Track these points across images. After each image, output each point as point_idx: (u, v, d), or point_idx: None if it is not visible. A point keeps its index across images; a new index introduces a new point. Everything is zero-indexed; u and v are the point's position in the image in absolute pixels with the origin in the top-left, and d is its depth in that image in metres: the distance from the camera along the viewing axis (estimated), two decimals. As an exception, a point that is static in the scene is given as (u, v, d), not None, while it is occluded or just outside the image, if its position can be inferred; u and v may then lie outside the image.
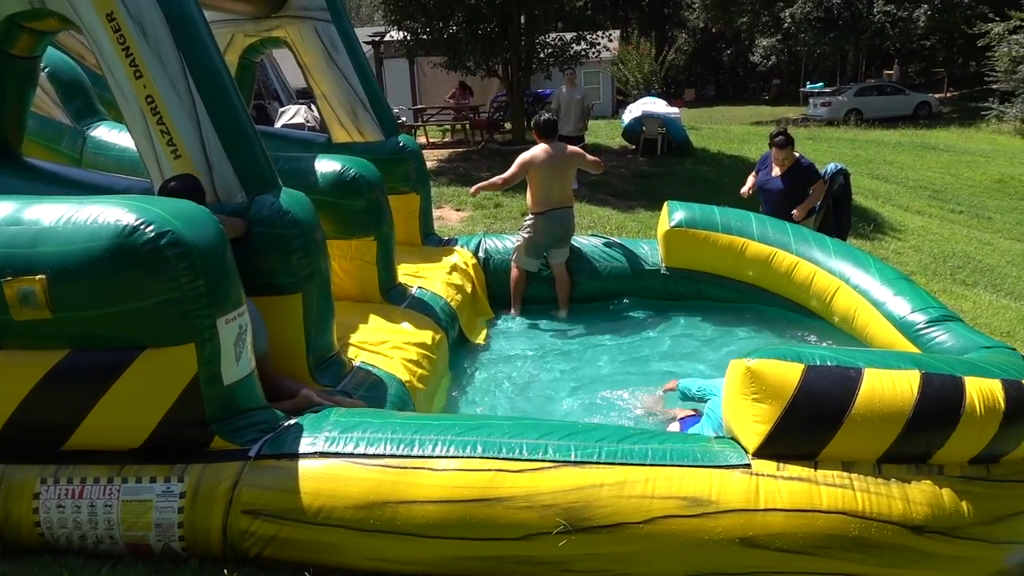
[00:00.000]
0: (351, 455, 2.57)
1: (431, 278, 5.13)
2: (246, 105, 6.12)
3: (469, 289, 5.38)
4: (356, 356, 3.85)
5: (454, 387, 4.47)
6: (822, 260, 4.77)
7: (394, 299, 4.68)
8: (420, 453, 2.56)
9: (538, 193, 5.38)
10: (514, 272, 5.58)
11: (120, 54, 3.20)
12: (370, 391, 3.49)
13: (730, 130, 19.56)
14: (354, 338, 4.01)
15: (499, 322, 5.49)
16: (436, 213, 9.22)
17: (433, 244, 5.94)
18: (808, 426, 2.56)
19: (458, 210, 9.35)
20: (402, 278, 5.02)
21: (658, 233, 5.56)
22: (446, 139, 15.73)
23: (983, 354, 3.51)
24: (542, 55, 13.20)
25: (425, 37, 12.86)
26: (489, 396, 4.32)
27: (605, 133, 16.04)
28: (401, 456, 2.56)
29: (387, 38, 15.74)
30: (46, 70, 4.67)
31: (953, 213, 12.42)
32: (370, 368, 3.73)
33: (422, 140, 14.88)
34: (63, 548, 2.57)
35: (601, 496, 2.46)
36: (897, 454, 2.57)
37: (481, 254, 5.80)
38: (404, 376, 3.78)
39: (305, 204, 3.52)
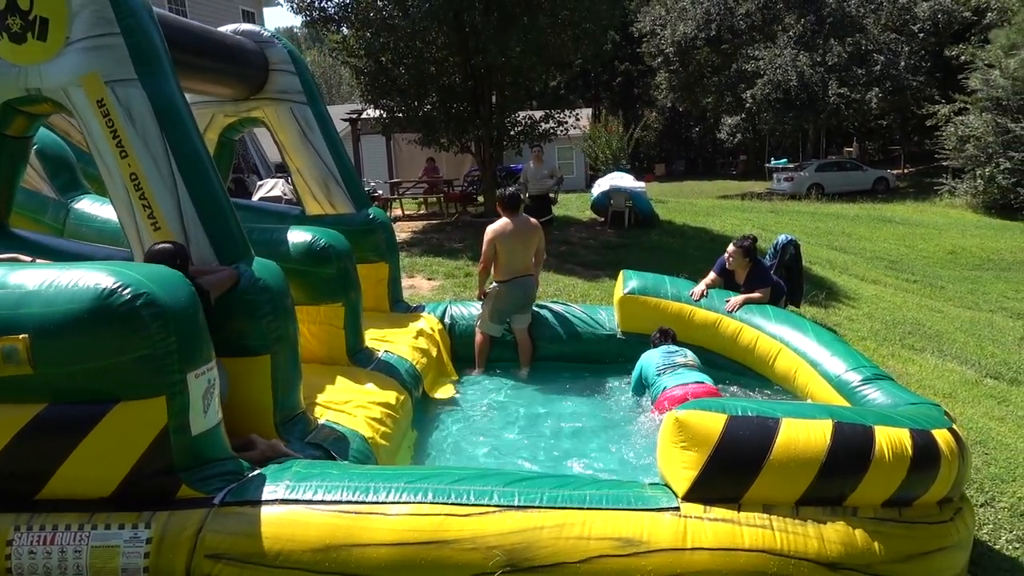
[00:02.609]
0: (309, 501, 2.76)
1: (397, 342, 5.36)
2: (223, 180, 6.49)
3: (435, 353, 5.61)
4: (321, 415, 4.05)
5: (419, 443, 4.65)
6: (763, 325, 5.09)
7: (361, 362, 4.89)
8: (374, 499, 2.76)
9: (503, 263, 5.70)
10: (478, 337, 5.84)
11: (108, 136, 3.49)
12: (333, 447, 3.67)
13: (696, 203, 20.28)
14: (320, 397, 4.21)
15: (463, 381, 5.70)
16: (408, 282, 9.51)
17: (401, 311, 6.19)
18: (731, 471, 2.80)
19: (430, 279, 9.63)
20: (370, 342, 5.25)
21: (614, 300, 5.87)
22: (421, 211, 16.19)
23: (908, 409, 3.80)
24: (512, 132, 13.78)
25: (400, 115, 13.42)
26: (452, 452, 4.50)
27: (575, 206, 16.59)
28: (356, 502, 2.75)
29: (364, 115, 16.33)
30: (35, 147, 4.96)
31: (907, 282, 12.94)
32: (334, 425, 3.92)
33: (398, 212, 15.32)
34: (33, 595, 2.70)
35: (542, 538, 2.67)
36: (813, 497, 2.82)
37: (447, 320, 6.06)
38: (367, 433, 3.97)
39: (275, 272, 3.77)
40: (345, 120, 17.62)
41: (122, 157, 3.51)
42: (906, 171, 34.12)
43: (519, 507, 2.74)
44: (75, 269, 2.78)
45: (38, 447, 2.71)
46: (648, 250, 11.84)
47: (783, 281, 6.59)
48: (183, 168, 3.57)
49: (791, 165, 29.93)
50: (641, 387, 4.97)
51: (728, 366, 5.32)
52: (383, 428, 4.14)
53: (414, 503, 2.75)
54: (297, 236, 4.73)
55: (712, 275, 5.86)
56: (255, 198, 12.60)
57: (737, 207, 20.34)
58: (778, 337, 4.96)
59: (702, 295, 5.60)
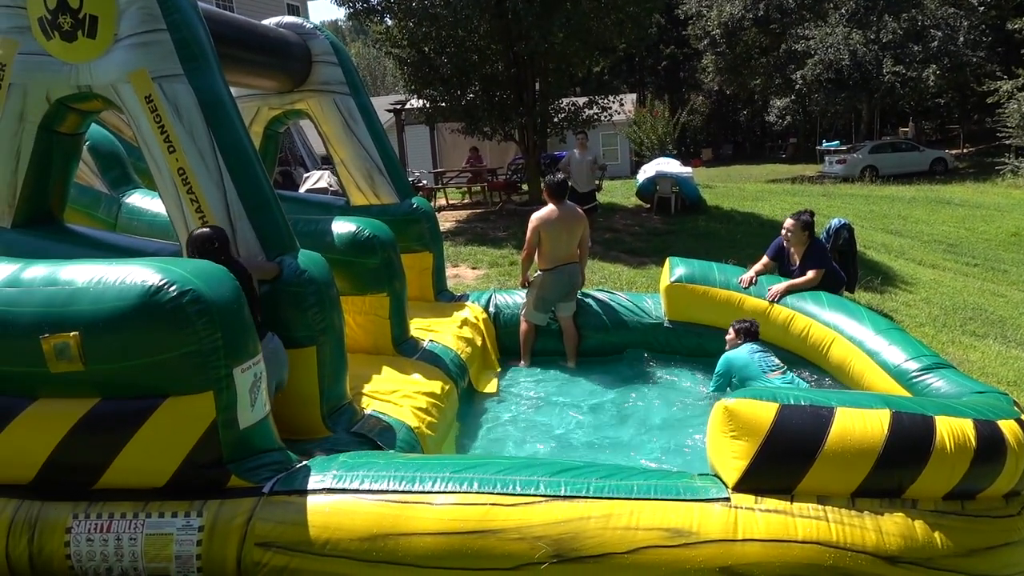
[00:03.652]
0: (356, 491, 2.77)
1: (442, 332, 5.37)
2: (268, 173, 6.58)
3: (479, 342, 5.60)
4: (368, 405, 4.07)
5: (463, 435, 4.65)
6: (816, 313, 4.94)
7: (406, 351, 4.91)
8: (420, 489, 2.76)
9: (547, 250, 5.65)
10: (523, 326, 5.81)
11: (156, 131, 3.55)
12: (379, 436, 3.69)
13: (744, 188, 19.89)
14: (367, 388, 4.24)
15: (508, 373, 5.69)
16: (453, 271, 9.54)
17: (445, 300, 6.20)
18: (783, 461, 2.72)
19: (474, 268, 9.64)
20: (415, 332, 5.26)
21: (660, 288, 5.78)
22: (465, 200, 16.21)
23: (972, 399, 3.65)
24: (556, 119, 13.67)
25: (443, 104, 13.43)
26: (497, 444, 4.50)
27: (621, 193, 16.42)
28: (402, 492, 2.76)
29: (408, 106, 16.41)
30: (87, 144, 5.08)
31: (967, 266, 12.48)
32: (380, 415, 3.95)
33: (442, 202, 15.36)
34: (91, 580, 2.77)
35: (588, 528, 2.63)
36: (870, 488, 2.72)
37: (491, 309, 6.05)
38: (413, 423, 3.98)
39: (320, 264, 3.80)
40: (389, 111, 17.72)
41: (170, 152, 3.56)
42: (965, 151, 32.91)
43: (566, 497, 2.71)
44: (123, 265, 2.83)
45: (92, 440, 2.78)
46: (695, 236, 11.66)
47: (839, 268, 6.39)
48: (229, 162, 3.61)
49: (843, 147, 29.06)
50: (726, 387, 4.68)
51: (781, 356, 5.18)
52: (429, 418, 4.14)
53: (460, 492, 2.74)
54: (341, 227, 4.76)
55: (764, 259, 5.65)
56: (302, 190, 12.74)
57: (787, 191, 19.88)
58: (832, 325, 4.81)
59: (751, 282, 5.43)
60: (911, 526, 2.66)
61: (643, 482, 2.78)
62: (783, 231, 5.66)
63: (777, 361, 4.59)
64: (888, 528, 2.64)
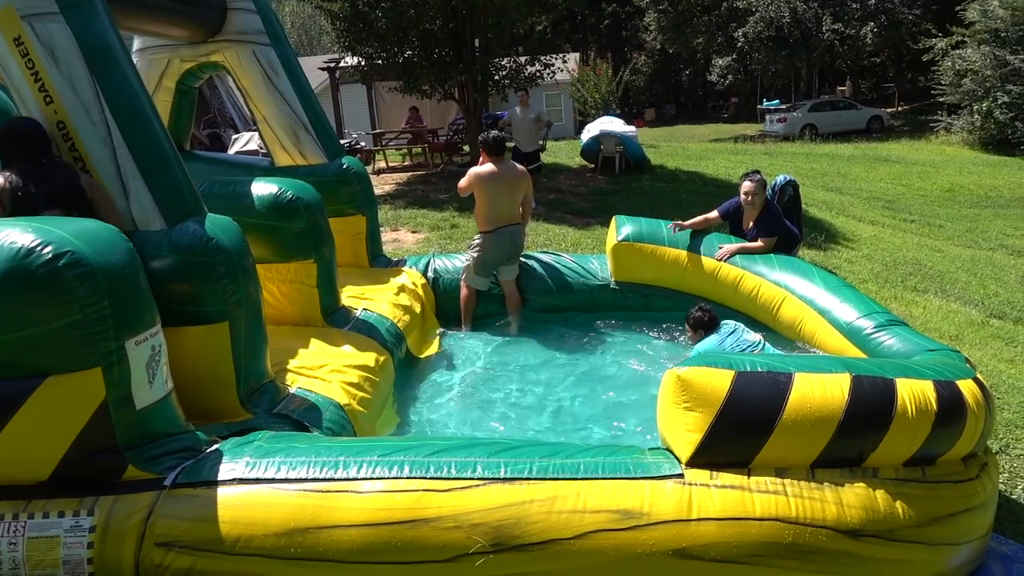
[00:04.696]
0: (272, 480, 2.47)
1: (377, 299, 5.04)
2: (186, 131, 6.08)
3: (418, 309, 5.29)
4: (293, 382, 3.75)
5: (403, 408, 4.37)
6: (766, 272, 4.78)
7: (337, 322, 4.58)
8: (344, 476, 2.48)
9: (486, 211, 5.35)
10: (464, 291, 5.52)
11: (29, 79, 3.10)
12: (305, 416, 3.38)
13: (687, 147, 19.82)
14: (292, 363, 3.90)
15: (450, 339, 5.41)
16: (392, 235, 9.16)
17: (381, 266, 5.85)
18: (740, 433, 2.52)
19: (414, 232, 9.29)
20: (348, 300, 4.93)
21: (607, 248, 5.55)
22: (406, 163, 15.71)
23: (927, 357, 3.53)
24: (496, 77, 13.25)
25: (380, 62, 12.86)
26: (439, 414, 4.24)
27: (565, 153, 16.14)
28: (323, 480, 2.47)
29: (342, 64, 15.72)
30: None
31: (905, 222, 12.64)
32: (306, 393, 3.63)
33: (382, 164, 14.85)
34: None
35: (531, 512, 2.39)
36: (830, 458, 2.55)
37: (430, 274, 5.74)
38: (343, 399, 3.68)
39: (232, 229, 3.42)
40: (322, 69, 16.98)
41: (47, 103, 3.12)
42: (901, 109, 33.56)
43: (505, 479, 2.46)
44: None
45: (-42, 430, 2.40)
46: (641, 196, 11.48)
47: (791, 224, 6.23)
48: (118, 116, 3.18)
49: (784, 106, 29.29)
50: None
51: (730, 316, 5.02)
52: (361, 393, 3.84)
53: (388, 479, 2.46)
54: (262, 188, 4.36)
55: (714, 214, 5.35)
56: (231, 151, 12.11)
57: (730, 150, 19.88)
58: (782, 284, 4.65)
59: (678, 229, 5.24)
60: (872, 496, 2.50)
61: (590, 459, 2.55)
62: (743, 195, 5.20)
63: (750, 338, 4.10)
64: (849, 500, 2.47)
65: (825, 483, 2.50)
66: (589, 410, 4.12)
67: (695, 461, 2.54)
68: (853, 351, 3.97)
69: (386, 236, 9.17)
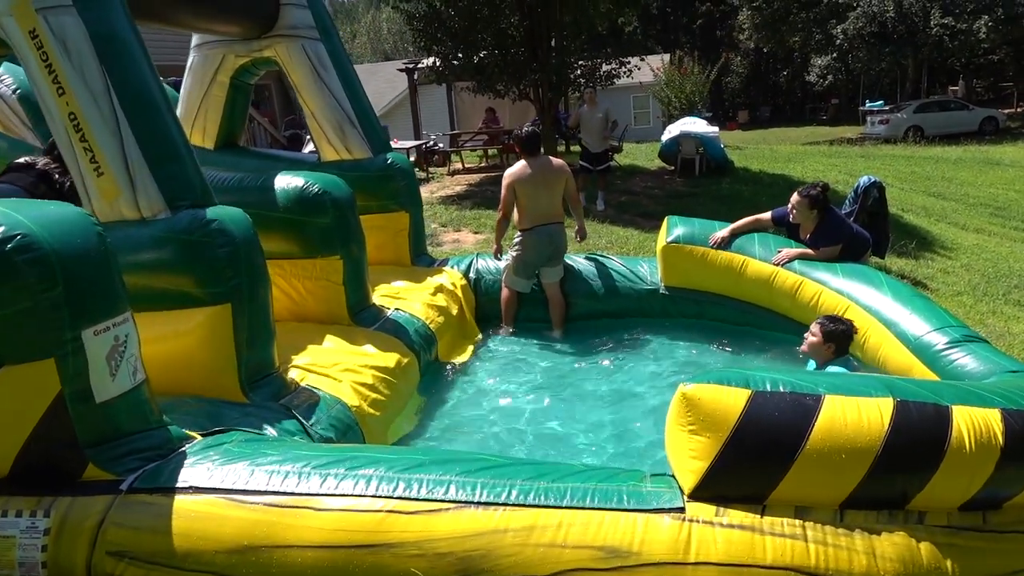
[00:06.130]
0: (229, 491, 2.28)
1: (411, 299, 4.86)
2: (239, 127, 6.08)
3: (455, 311, 5.08)
4: (302, 378, 3.59)
5: (427, 412, 4.16)
6: (827, 279, 4.30)
7: (365, 321, 4.41)
8: (306, 490, 2.26)
9: (524, 209, 5.10)
10: (504, 293, 5.28)
11: (43, 71, 3.09)
12: (304, 413, 3.22)
13: (776, 149, 18.90)
14: (303, 360, 3.75)
15: (488, 343, 5.17)
16: (454, 235, 9.02)
17: (424, 265, 5.68)
18: (754, 462, 2.16)
19: (476, 233, 9.11)
20: (381, 299, 4.77)
21: (657, 250, 5.18)
22: (482, 164, 15.60)
23: (1004, 379, 3.04)
24: (571, 76, 12.95)
25: (455, 62, 12.79)
26: (465, 423, 4.00)
27: (644, 155, 15.65)
28: (284, 493, 2.26)
29: (419, 65, 15.76)
30: (17, 92, 4.64)
31: (1015, 231, 11.56)
32: (314, 390, 3.46)
33: (457, 165, 14.78)
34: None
35: (504, 544, 2.11)
36: (864, 498, 2.15)
37: (472, 274, 5.51)
38: (352, 400, 3.50)
39: (238, 217, 3.31)
40: (401, 71, 17.09)
41: (59, 95, 3.09)
42: (1019, 110, 31.10)
43: (479, 503, 2.18)
44: None
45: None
46: (717, 199, 10.93)
47: (867, 230, 5.66)
48: (127, 106, 3.13)
49: (887, 107, 27.60)
50: None
51: (784, 326, 4.58)
52: (374, 395, 3.66)
53: (352, 496, 2.23)
54: (289, 182, 4.24)
55: (767, 216, 4.87)
56: (304, 151, 12.29)
57: (823, 152, 18.84)
58: (845, 293, 4.17)
59: (720, 242, 4.77)
60: (914, 547, 2.08)
61: (579, 485, 2.24)
62: (789, 206, 4.72)
63: None
64: (884, 550, 2.07)
65: (856, 528, 2.10)
66: (615, 429, 3.79)
67: (699, 493, 2.19)
68: (921, 369, 3.48)
69: (447, 236, 9.03)
